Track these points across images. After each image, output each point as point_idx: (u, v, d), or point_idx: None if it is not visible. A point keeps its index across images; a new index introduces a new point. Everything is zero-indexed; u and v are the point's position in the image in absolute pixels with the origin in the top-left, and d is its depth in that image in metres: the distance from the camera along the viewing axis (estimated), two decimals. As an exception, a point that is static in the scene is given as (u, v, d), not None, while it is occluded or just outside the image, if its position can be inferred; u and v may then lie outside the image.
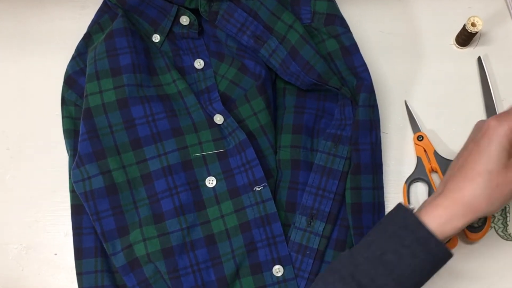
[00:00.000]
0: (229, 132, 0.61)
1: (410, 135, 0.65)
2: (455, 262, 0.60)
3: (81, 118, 0.61)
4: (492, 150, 0.44)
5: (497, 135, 0.45)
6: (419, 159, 0.63)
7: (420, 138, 0.63)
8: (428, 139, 0.63)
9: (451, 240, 0.59)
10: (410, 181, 0.62)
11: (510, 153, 0.45)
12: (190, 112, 0.62)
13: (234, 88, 0.64)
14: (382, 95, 0.66)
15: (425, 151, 0.63)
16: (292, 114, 0.63)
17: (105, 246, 0.59)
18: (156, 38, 0.65)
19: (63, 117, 0.64)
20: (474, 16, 0.63)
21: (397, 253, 0.44)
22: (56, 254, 0.63)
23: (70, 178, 0.61)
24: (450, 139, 0.64)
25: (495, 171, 0.44)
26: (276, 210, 0.59)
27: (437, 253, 0.44)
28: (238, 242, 0.58)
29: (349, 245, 0.59)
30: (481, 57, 0.66)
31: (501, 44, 0.67)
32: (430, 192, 0.62)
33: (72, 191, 0.61)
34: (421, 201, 0.62)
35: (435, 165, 0.62)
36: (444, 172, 0.61)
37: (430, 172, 0.62)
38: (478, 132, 0.47)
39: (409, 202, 0.62)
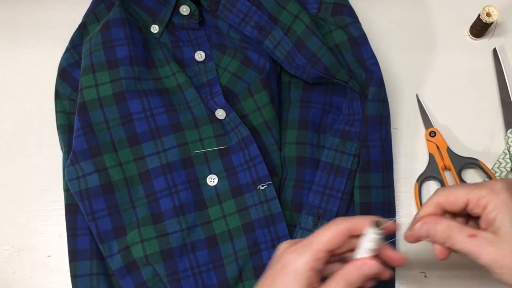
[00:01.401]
0: (232, 128, 0.60)
1: (422, 130, 0.64)
2: (469, 264, 0.58)
3: (76, 113, 0.60)
4: None
5: (295, 273, 0.40)
6: (431, 156, 0.62)
7: (432, 134, 0.62)
8: (441, 135, 0.62)
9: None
10: (422, 179, 0.61)
11: (314, 282, 0.41)
12: (191, 106, 0.61)
13: (237, 81, 0.64)
14: (393, 88, 0.65)
15: (437, 147, 0.62)
16: (298, 109, 0.62)
17: (101, 247, 0.58)
18: (154, 29, 0.65)
19: (56, 111, 0.63)
20: (489, 6, 0.62)
21: None
22: (49, 256, 0.63)
23: (64, 176, 0.60)
24: (464, 135, 0.63)
25: None
26: (281, 209, 0.58)
27: None
28: (241, 244, 0.58)
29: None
30: (497, 48, 0.65)
31: (518, 35, 0.67)
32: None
33: (66, 189, 0.60)
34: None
35: (448, 162, 0.61)
36: (457, 170, 0.60)
37: (443, 170, 0.61)
38: (278, 263, 0.42)
39: (420, 203, 0.60)
